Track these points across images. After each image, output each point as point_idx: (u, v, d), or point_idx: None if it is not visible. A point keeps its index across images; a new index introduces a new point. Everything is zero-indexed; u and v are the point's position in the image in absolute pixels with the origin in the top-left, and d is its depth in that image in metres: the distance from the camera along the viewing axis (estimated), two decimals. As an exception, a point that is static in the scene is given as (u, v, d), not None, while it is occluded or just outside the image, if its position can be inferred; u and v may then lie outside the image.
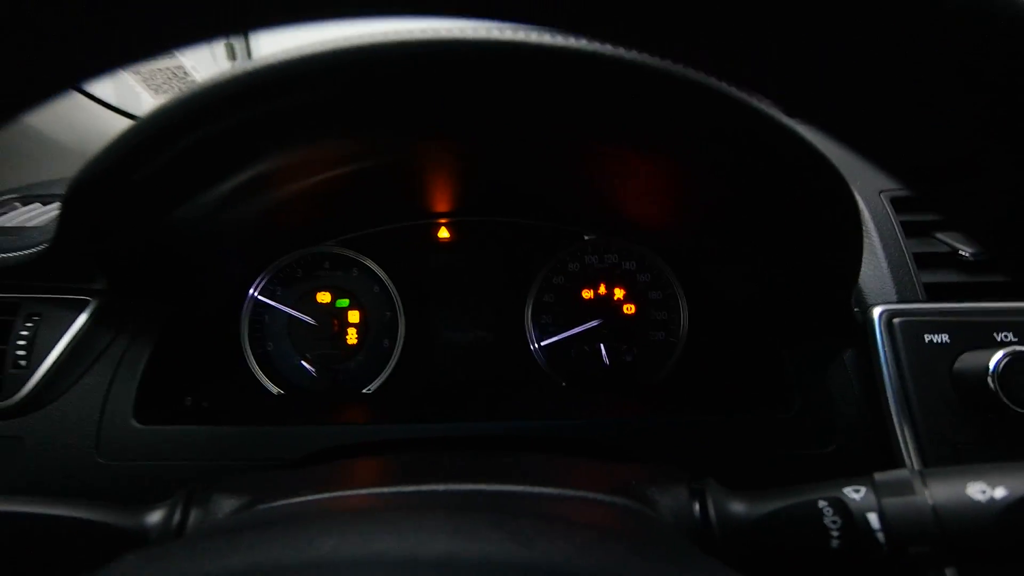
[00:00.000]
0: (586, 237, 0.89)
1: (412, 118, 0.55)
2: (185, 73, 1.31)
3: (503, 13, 0.21)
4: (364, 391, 0.87)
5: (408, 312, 0.89)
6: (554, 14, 0.21)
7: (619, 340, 0.88)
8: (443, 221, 0.91)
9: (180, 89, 0.45)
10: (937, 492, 0.34)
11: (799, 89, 0.22)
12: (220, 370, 0.84)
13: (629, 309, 0.88)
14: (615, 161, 0.65)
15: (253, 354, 0.87)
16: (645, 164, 0.62)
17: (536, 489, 0.37)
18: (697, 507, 0.38)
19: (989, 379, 0.53)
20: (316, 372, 0.88)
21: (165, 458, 0.61)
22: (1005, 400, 0.52)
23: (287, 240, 0.86)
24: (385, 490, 0.37)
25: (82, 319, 0.64)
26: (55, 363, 0.62)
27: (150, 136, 0.46)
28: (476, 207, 0.89)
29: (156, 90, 1.30)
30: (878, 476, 0.36)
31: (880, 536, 0.33)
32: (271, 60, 0.42)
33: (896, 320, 0.57)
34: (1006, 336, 0.56)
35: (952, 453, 0.54)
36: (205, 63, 1.39)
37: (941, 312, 0.58)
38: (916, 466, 0.54)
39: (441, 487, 0.37)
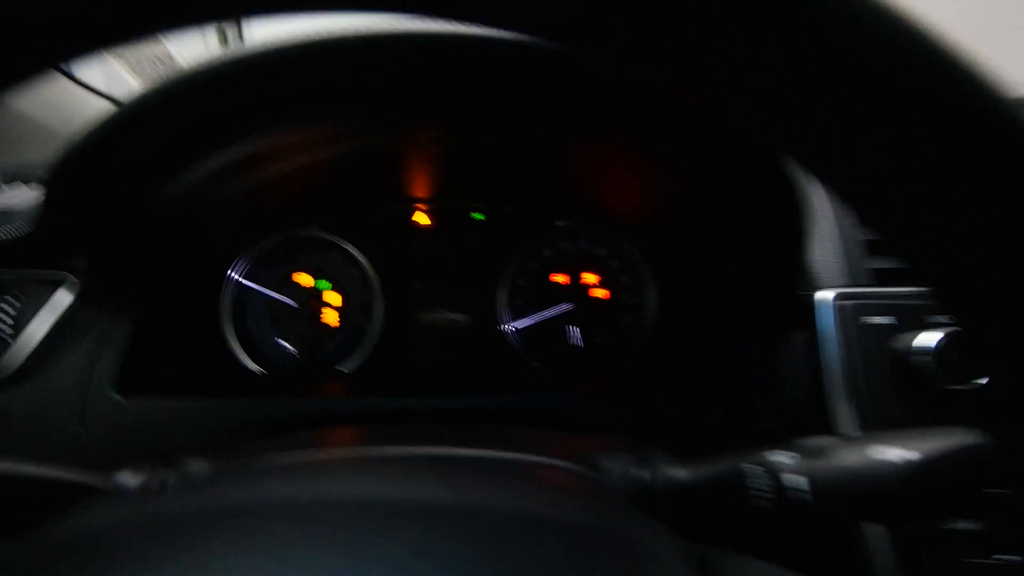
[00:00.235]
0: (559, 224, 0.91)
1: (389, 105, 0.57)
2: (172, 60, 1.33)
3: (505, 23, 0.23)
4: (343, 371, 0.90)
5: (387, 295, 0.91)
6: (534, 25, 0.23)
7: (591, 324, 0.91)
8: (422, 207, 0.93)
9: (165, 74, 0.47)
10: (852, 455, 0.37)
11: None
12: (201, 350, 0.87)
13: (601, 294, 0.91)
14: (586, 151, 0.67)
15: (235, 335, 0.89)
16: (615, 154, 0.65)
17: (486, 452, 0.40)
18: (639, 471, 0.41)
19: (928, 357, 0.56)
20: (297, 352, 0.90)
21: (147, 431, 0.64)
22: (942, 377, 0.55)
23: (268, 223, 0.89)
24: (344, 453, 0.40)
25: (67, 298, 0.66)
26: (41, 341, 0.65)
27: (134, 117, 0.48)
28: (454, 193, 0.91)
29: (143, 77, 1.32)
30: (802, 441, 0.39)
31: (801, 495, 0.37)
32: (254, 47, 0.44)
33: (842, 303, 0.60)
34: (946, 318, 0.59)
35: (891, 428, 0.57)
36: (196, 48, 1.39)
37: (887, 296, 0.61)
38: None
39: (397, 450, 0.40)
